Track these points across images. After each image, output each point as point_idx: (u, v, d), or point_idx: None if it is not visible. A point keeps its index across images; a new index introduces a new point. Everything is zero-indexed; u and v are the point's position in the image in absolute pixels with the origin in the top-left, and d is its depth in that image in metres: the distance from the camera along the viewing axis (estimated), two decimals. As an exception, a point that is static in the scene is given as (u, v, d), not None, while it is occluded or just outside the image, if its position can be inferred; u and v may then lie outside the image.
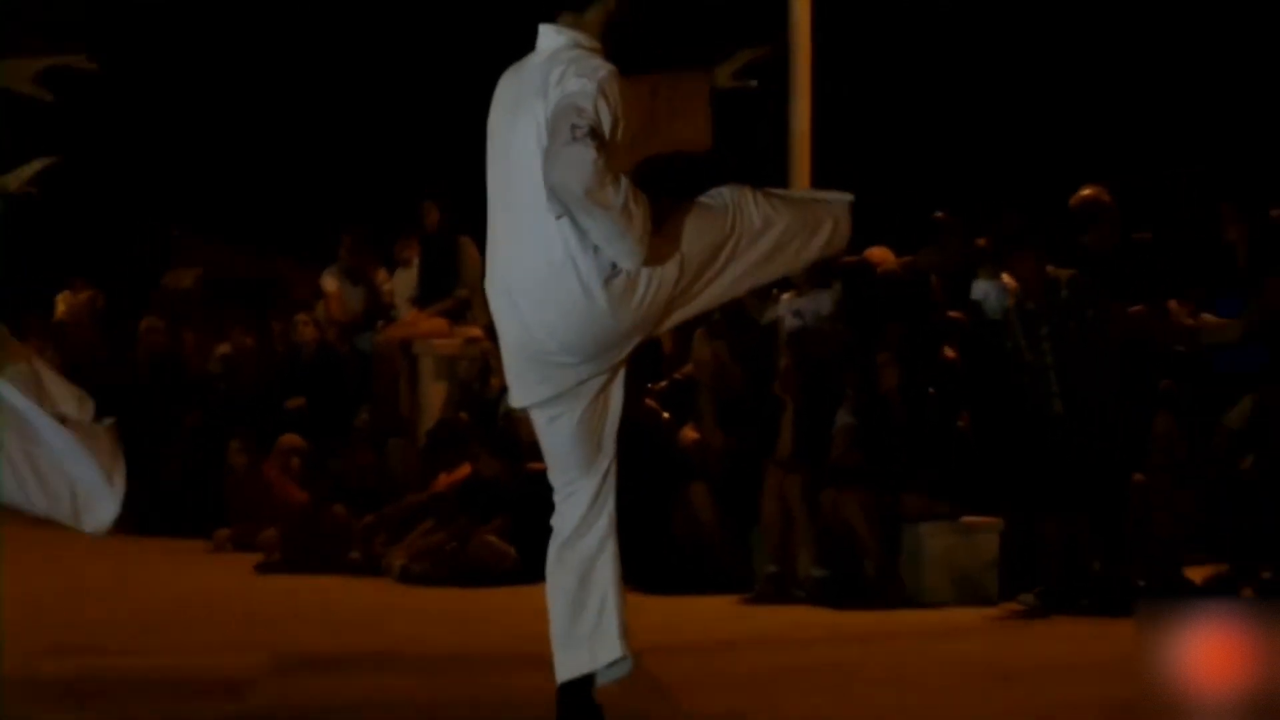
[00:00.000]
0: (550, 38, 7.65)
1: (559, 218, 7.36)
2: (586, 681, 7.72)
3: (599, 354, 7.63)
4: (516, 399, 7.89)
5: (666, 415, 14.66)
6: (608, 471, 7.83)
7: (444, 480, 15.07)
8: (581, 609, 7.72)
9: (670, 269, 7.57)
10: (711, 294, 7.85)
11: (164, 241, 23.18)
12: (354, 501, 15.71)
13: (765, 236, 7.79)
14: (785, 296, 15.29)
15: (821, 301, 14.70)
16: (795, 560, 13.19)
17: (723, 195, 7.83)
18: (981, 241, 15.02)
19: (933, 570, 12.82)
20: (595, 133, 7.20)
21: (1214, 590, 12.22)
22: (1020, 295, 13.21)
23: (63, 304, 22.59)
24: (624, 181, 7.25)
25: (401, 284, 18.90)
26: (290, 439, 16.48)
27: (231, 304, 20.15)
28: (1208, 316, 13.76)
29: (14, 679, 6.73)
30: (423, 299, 18.53)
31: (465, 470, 14.93)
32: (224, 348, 19.14)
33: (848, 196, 8.03)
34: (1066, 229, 13.97)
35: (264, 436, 16.88)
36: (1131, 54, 28.01)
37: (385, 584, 14.21)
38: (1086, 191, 14.03)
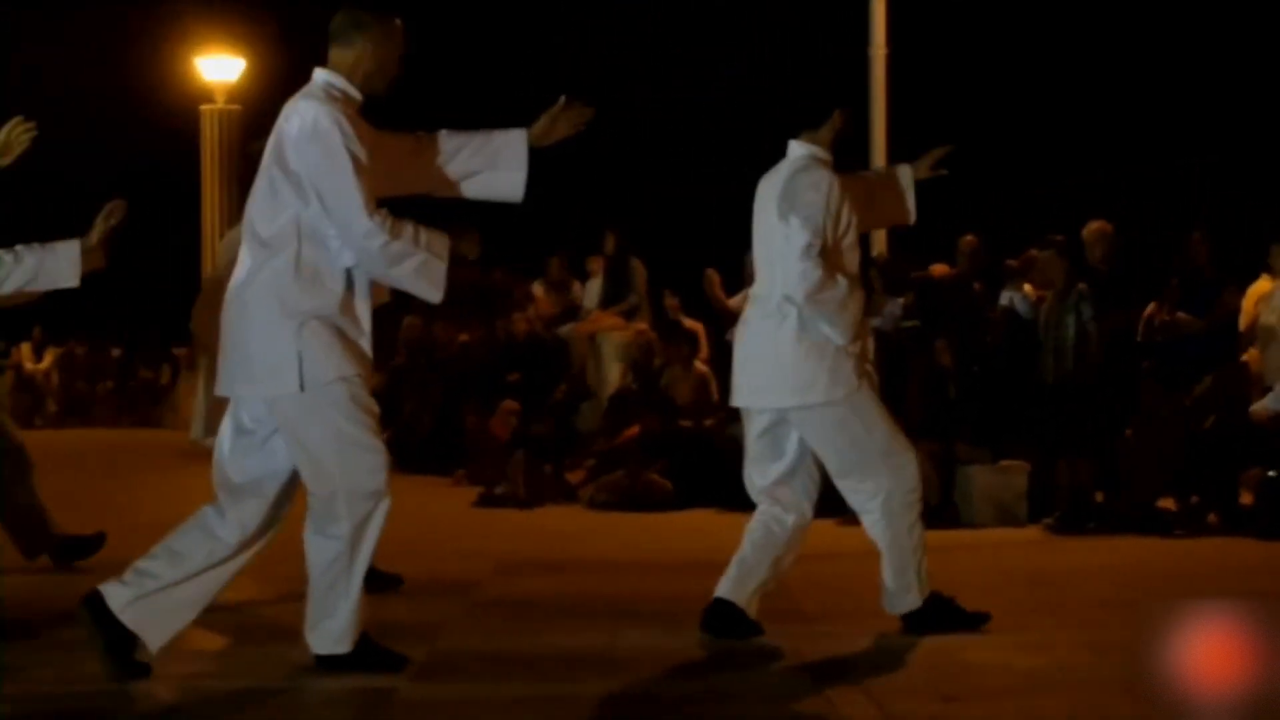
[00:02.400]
0: (794, 150, 7.71)
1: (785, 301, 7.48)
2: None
3: (778, 389, 7.60)
4: (734, 399, 7.89)
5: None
6: (790, 470, 7.85)
7: (621, 435, 15.00)
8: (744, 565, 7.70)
9: (843, 388, 7.62)
10: (837, 439, 7.84)
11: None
12: (552, 449, 15.71)
13: (889, 501, 8.11)
14: (869, 302, 15.21)
15: (896, 306, 14.72)
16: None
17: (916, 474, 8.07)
18: (1013, 262, 14.95)
19: (978, 500, 12.66)
20: (824, 249, 7.38)
21: (1186, 518, 12.07)
22: (1046, 298, 13.28)
23: (347, 306, 22.65)
24: (842, 281, 7.41)
25: (590, 291, 18.92)
26: (509, 404, 16.46)
27: (469, 306, 20.14)
28: (1182, 314, 13.65)
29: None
30: (605, 302, 18.54)
31: (636, 428, 14.87)
32: (463, 337, 19.16)
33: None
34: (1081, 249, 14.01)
35: (490, 401, 16.88)
36: (1147, 51, 26.46)
37: (577, 510, 14.16)
38: (1096, 224, 14.03)
